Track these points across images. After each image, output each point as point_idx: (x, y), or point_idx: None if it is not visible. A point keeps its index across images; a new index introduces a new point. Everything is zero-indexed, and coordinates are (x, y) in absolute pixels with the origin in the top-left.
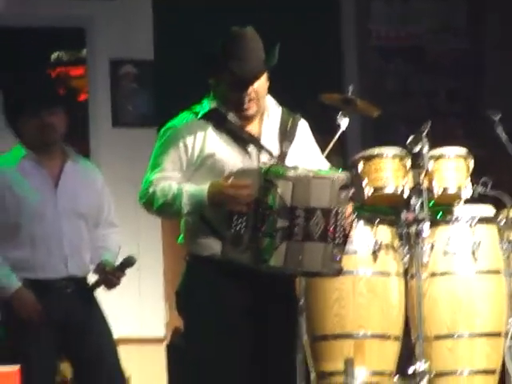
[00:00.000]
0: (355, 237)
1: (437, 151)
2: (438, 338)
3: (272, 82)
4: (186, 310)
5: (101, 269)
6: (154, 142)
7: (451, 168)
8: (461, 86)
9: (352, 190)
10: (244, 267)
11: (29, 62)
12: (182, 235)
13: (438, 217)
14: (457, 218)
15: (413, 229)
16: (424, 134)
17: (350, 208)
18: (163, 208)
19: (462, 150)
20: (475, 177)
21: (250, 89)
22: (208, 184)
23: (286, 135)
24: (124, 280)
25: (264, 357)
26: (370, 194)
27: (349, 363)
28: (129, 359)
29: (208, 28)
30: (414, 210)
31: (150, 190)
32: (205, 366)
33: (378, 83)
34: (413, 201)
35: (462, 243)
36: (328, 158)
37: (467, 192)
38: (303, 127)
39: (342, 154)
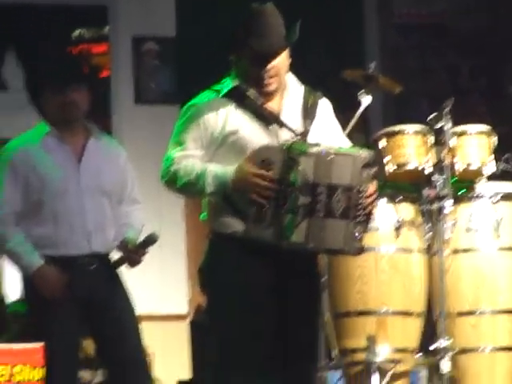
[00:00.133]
0: (377, 214)
1: (459, 128)
2: (460, 314)
3: (294, 59)
4: (209, 287)
5: (124, 246)
6: (175, 118)
7: (474, 144)
8: (483, 62)
9: (375, 169)
10: (266, 244)
11: (51, 40)
12: (204, 213)
13: (461, 193)
14: (479, 195)
15: (435, 205)
16: (446, 110)
17: (372, 186)
18: (186, 187)
19: (485, 127)
20: (498, 153)
21: (271, 65)
22: (233, 167)
23: (309, 113)
24: (146, 257)
25: (287, 333)
26: (392, 171)
27: (371, 340)
28: (151, 336)
29: (229, 4)
30: (437, 186)
31: (172, 168)
32: (228, 343)
33: (400, 60)
34: (435, 177)
35: (485, 220)
36: (350, 135)
37: (490, 168)
38: (325, 105)
39: (364, 131)
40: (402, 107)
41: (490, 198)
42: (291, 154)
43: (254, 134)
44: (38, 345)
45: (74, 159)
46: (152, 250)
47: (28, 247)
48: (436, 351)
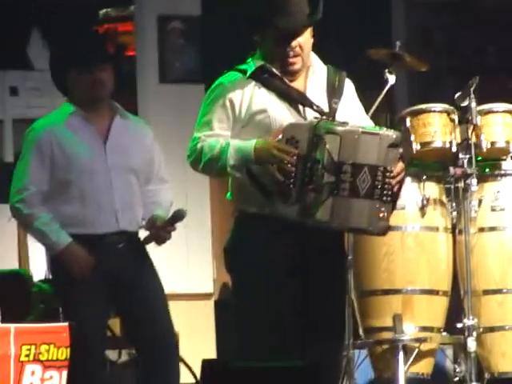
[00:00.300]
0: (403, 193)
1: (485, 106)
2: (486, 292)
3: (319, 38)
4: (235, 266)
5: (152, 223)
6: (201, 98)
7: (499, 123)
8: (509, 40)
9: (402, 149)
10: (291, 222)
11: (77, 19)
12: (230, 192)
13: (486, 172)
14: (505, 173)
15: (461, 184)
16: (472, 88)
17: (399, 167)
18: (209, 163)
19: (510, 105)
20: None
21: (295, 43)
22: (255, 139)
23: (335, 92)
24: (172, 237)
25: (313, 312)
26: (417, 149)
27: (397, 319)
28: (177, 315)
29: None
30: (462, 164)
31: (198, 146)
32: (254, 322)
33: (426, 39)
34: (461, 156)
35: (510, 198)
36: (376, 113)
37: None
38: (349, 85)
39: (389, 110)
40: (427, 86)
41: None
42: (317, 132)
43: (281, 113)
44: (64, 324)
45: (100, 138)
46: (178, 230)
47: (55, 226)
48: (462, 330)
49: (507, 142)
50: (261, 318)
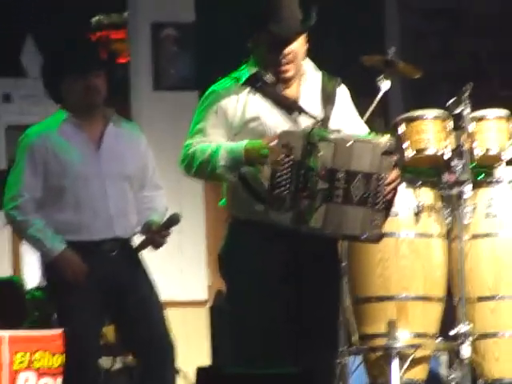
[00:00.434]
0: (397, 199)
1: (478, 113)
2: (480, 299)
3: (312, 44)
4: (229, 272)
5: (147, 228)
6: (195, 105)
7: (493, 129)
8: (504, 47)
9: (396, 157)
10: (285, 229)
11: (71, 26)
12: (223, 198)
13: (480, 178)
14: (498, 180)
15: (454, 190)
16: (465, 95)
17: (393, 174)
18: (201, 167)
19: (504, 112)
20: None
21: (288, 49)
22: (246, 140)
23: (329, 99)
24: (167, 243)
25: (307, 319)
26: (411, 156)
27: (391, 325)
28: (171, 322)
29: None
30: (456, 171)
31: (190, 151)
32: (248, 328)
33: (420, 45)
34: (454, 162)
35: (504, 205)
36: (370, 120)
37: (509, 153)
38: (343, 92)
39: (383, 117)
40: (421, 92)
41: (510, 182)
42: (311, 140)
43: (275, 121)
44: (58, 331)
45: (92, 145)
46: (172, 237)
47: (49, 232)
48: (456, 336)
49: (500, 149)
50: (254, 325)
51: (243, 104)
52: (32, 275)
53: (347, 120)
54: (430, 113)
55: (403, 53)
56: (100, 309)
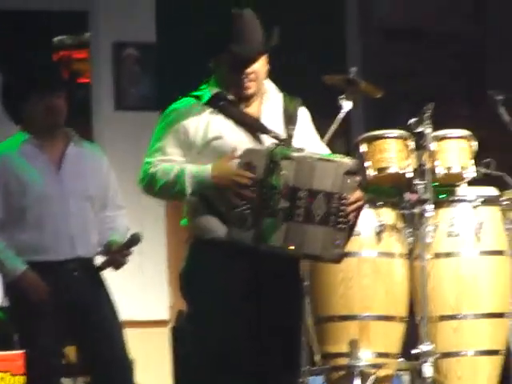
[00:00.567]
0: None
1: (440, 132)
2: (442, 318)
3: (274, 64)
4: (190, 292)
5: (108, 248)
6: (156, 125)
7: (454, 149)
8: (464, 66)
9: (359, 178)
10: (246, 248)
11: (32, 46)
12: (184, 218)
13: (442, 198)
14: (460, 199)
15: (416, 210)
16: (427, 114)
17: (356, 195)
18: (164, 189)
19: (466, 131)
20: (479, 158)
21: (250, 69)
22: (211, 165)
23: (291, 119)
24: (128, 263)
25: (267, 338)
26: (373, 176)
27: (353, 345)
28: (132, 342)
29: (209, 10)
30: (418, 190)
31: (151, 171)
32: (208, 348)
33: (381, 64)
34: (416, 182)
35: (466, 224)
36: (332, 140)
37: (470, 173)
38: (304, 113)
39: (345, 136)
40: (383, 112)
41: (471, 202)
42: (274, 158)
43: (237, 139)
44: (19, 352)
45: (53, 166)
46: (133, 257)
47: (10, 253)
48: (418, 355)
49: (462, 169)
50: (216, 344)
51: (205, 123)
52: None
53: (308, 141)
54: (392, 132)
55: (365, 72)
56: (62, 329)
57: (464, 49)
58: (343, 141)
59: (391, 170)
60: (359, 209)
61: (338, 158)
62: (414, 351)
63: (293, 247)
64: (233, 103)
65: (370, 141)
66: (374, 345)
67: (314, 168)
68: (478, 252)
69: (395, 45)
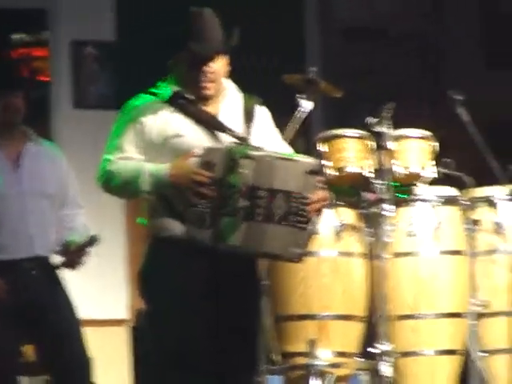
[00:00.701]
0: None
1: (399, 132)
2: (401, 318)
3: (235, 64)
4: (148, 291)
5: (66, 248)
6: (114, 123)
7: (414, 149)
8: (423, 65)
9: (321, 178)
10: (204, 246)
11: None
12: (143, 216)
13: (401, 197)
14: (419, 199)
15: (376, 209)
16: (387, 114)
17: (318, 195)
18: (122, 186)
19: (425, 132)
20: (439, 158)
21: (209, 68)
22: (169, 164)
23: (250, 117)
24: (87, 262)
25: (225, 337)
26: (332, 175)
27: (312, 344)
28: (91, 341)
29: (169, 10)
30: (377, 190)
31: (108, 168)
32: (167, 347)
33: (341, 63)
34: (376, 181)
35: (425, 224)
36: (291, 140)
37: (430, 173)
38: (264, 112)
39: (305, 136)
40: (343, 111)
41: (430, 202)
42: (233, 157)
43: (196, 138)
44: None
45: (11, 165)
46: (92, 256)
47: None
48: (377, 355)
49: (421, 169)
50: (174, 344)
51: (164, 121)
52: None
53: (269, 140)
54: (351, 131)
55: (324, 72)
56: (20, 327)
57: (423, 48)
58: (303, 140)
59: (350, 170)
60: (321, 208)
61: (300, 157)
62: (372, 351)
63: (252, 246)
64: (192, 102)
65: (330, 140)
66: (332, 344)
67: (275, 167)
68: (437, 252)
69: (355, 44)
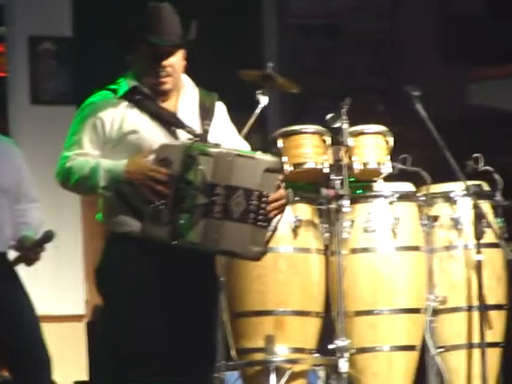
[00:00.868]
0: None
1: (356, 128)
2: (358, 314)
3: (191, 59)
4: (105, 287)
5: (21, 244)
6: (73, 119)
7: (371, 144)
8: (380, 61)
9: (281, 176)
10: (161, 243)
11: None
12: (100, 212)
13: (358, 193)
14: (376, 195)
15: (333, 205)
16: (343, 110)
17: (279, 193)
18: (79, 183)
19: (382, 127)
20: (395, 153)
21: (167, 62)
22: (126, 160)
23: (207, 113)
24: (43, 257)
25: (183, 334)
26: (289, 171)
27: (269, 340)
28: (48, 336)
29: (127, 4)
30: (334, 186)
31: (67, 165)
32: (122, 344)
33: (298, 59)
34: (333, 177)
35: (382, 220)
36: (247, 135)
37: (387, 168)
38: (220, 108)
39: (261, 132)
40: (300, 108)
41: (387, 197)
42: (190, 153)
43: (153, 134)
44: None
45: None
46: (49, 251)
47: None
48: (334, 351)
49: (379, 164)
50: (130, 340)
51: (121, 117)
52: None
53: (225, 136)
54: (309, 127)
55: (282, 68)
56: None
57: (379, 45)
58: (259, 136)
59: (307, 166)
60: (281, 207)
61: (260, 155)
62: (329, 346)
63: (211, 243)
64: (149, 97)
65: (287, 136)
66: (289, 340)
67: (233, 164)
68: (394, 248)
69: (311, 41)
